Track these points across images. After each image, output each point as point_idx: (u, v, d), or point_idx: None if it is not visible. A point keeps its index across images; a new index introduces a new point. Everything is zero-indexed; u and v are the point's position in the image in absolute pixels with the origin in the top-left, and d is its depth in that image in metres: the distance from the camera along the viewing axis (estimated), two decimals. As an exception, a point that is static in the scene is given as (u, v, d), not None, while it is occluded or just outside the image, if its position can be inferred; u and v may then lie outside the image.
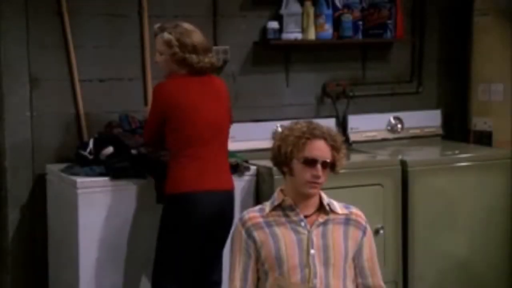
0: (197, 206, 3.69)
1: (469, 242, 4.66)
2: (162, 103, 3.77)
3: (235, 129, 4.65)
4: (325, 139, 2.82)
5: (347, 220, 2.89)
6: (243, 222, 2.88)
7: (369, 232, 2.93)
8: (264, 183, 4.26)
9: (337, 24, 4.91)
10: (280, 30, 4.78)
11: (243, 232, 2.86)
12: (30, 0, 4.31)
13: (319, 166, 2.80)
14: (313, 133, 2.82)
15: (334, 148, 2.83)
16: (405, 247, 4.52)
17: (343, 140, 2.91)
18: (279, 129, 3.23)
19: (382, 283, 2.97)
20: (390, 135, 5.13)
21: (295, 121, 2.94)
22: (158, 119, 3.78)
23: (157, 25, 3.87)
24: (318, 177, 2.79)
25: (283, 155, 2.85)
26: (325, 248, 2.82)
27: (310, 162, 2.80)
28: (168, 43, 3.77)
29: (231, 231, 3.09)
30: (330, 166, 2.86)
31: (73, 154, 4.26)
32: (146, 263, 3.99)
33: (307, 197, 2.85)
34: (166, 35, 3.79)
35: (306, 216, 2.86)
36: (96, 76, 4.47)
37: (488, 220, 4.70)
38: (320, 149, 2.81)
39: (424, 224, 4.52)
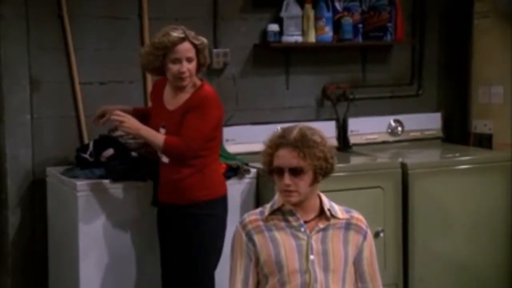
0: (227, 208, 3.82)
1: (469, 244, 4.65)
2: (220, 110, 3.77)
3: (236, 131, 4.67)
4: (289, 146, 2.80)
5: (348, 225, 2.88)
6: (243, 225, 2.88)
7: (370, 236, 2.92)
8: (264, 186, 4.26)
9: (337, 26, 4.91)
10: (281, 33, 4.78)
11: (243, 235, 2.86)
12: (31, 2, 4.31)
13: (286, 174, 2.79)
14: (277, 143, 2.82)
15: (301, 154, 2.79)
16: (405, 249, 4.52)
17: (319, 143, 2.82)
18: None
19: (382, 288, 2.98)
20: (390, 138, 5.14)
21: (280, 127, 2.96)
22: (217, 127, 3.75)
23: (178, 32, 3.64)
24: (287, 185, 2.79)
25: (264, 166, 2.88)
26: (325, 254, 2.81)
27: (278, 171, 2.81)
28: (204, 48, 3.71)
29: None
30: (312, 172, 2.81)
31: (73, 156, 4.26)
32: (145, 266, 3.99)
33: (297, 204, 2.84)
34: (204, 40, 3.71)
35: (306, 222, 2.85)
36: (96, 78, 4.47)
37: (488, 222, 4.70)
38: (283, 157, 2.79)
39: (424, 227, 4.53)
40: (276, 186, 2.86)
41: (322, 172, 2.83)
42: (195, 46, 3.65)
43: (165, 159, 3.74)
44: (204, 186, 3.71)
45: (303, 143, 2.79)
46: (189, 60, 3.63)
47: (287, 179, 2.78)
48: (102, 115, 3.86)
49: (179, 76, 3.64)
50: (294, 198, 2.81)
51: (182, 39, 3.62)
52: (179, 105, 3.70)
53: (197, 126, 3.63)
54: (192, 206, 3.68)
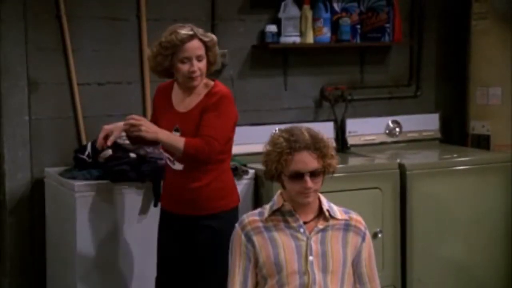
0: None
1: (467, 245, 4.66)
2: (235, 109, 3.60)
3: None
4: (308, 149, 2.79)
5: (347, 226, 2.88)
6: (242, 226, 2.88)
7: (368, 238, 2.92)
8: (262, 187, 4.26)
9: (335, 27, 4.91)
10: (279, 34, 4.79)
11: (242, 236, 2.86)
12: (29, 3, 4.31)
13: (307, 178, 2.77)
14: (293, 147, 2.78)
15: (320, 155, 2.80)
16: (403, 250, 4.52)
17: (329, 142, 2.85)
18: (269, 139, 3.17)
19: (380, 290, 2.98)
20: (388, 139, 5.14)
21: (277, 132, 2.90)
22: (234, 127, 3.60)
23: (187, 29, 3.46)
24: (308, 188, 2.78)
25: (270, 172, 2.85)
26: (324, 255, 2.82)
27: (297, 176, 2.79)
28: (214, 46, 3.55)
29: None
30: (323, 172, 2.83)
31: (72, 157, 4.26)
32: (144, 266, 3.99)
33: (304, 204, 2.85)
34: (213, 37, 3.53)
35: (305, 222, 2.85)
36: (94, 79, 4.47)
37: (487, 223, 4.70)
38: (303, 161, 2.78)
39: (423, 228, 4.53)
40: (289, 189, 2.82)
41: (331, 170, 2.84)
42: (204, 43, 3.48)
43: (178, 166, 3.52)
44: (224, 195, 3.56)
45: (319, 144, 2.79)
46: (199, 58, 3.46)
47: (310, 182, 2.77)
48: (106, 136, 3.52)
49: (190, 76, 3.46)
50: (312, 198, 2.82)
51: (191, 37, 3.44)
52: (193, 106, 3.52)
53: (217, 125, 3.45)
54: (213, 218, 3.50)
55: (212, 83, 3.57)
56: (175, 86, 3.62)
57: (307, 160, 2.78)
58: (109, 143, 3.49)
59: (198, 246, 3.53)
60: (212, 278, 3.53)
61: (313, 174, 2.78)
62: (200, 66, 3.46)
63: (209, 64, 3.54)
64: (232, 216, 3.48)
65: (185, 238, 3.57)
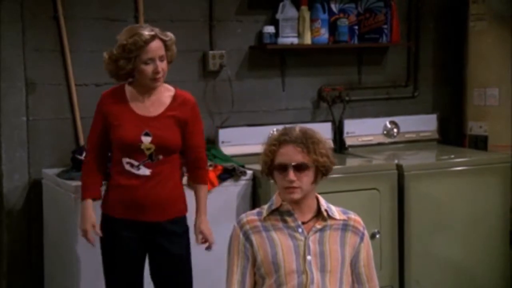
0: None
1: (465, 246, 4.66)
2: None
3: (231, 133, 4.67)
4: (293, 142, 2.81)
5: (345, 226, 2.88)
6: (241, 225, 2.88)
7: (367, 238, 2.92)
8: (260, 187, 4.26)
9: (333, 28, 4.91)
10: (276, 35, 4.79)
11: (240, 235, 2.86)
12: (27, 4, 4.31)
13: (290, 170, 2.79)
14: (280, 140, 2.82)
15: (306, 150, 2.81)
16: (401, 251, 4.52)
17: (320, 140, 2.85)
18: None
19: (378, 289, 2.98)
20: (386, 140, 5.14)
21: (276, 129, 2.95)
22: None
23: (148, 30, 3.40)
24: (291, 181, 2.79)
25: (263, 166, 2.88)
26: (322, 255, 2.82)
27: (281, 168, 2.81)
28: (172, 45, 3.48)
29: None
30: (314, 169, 2.83)
31: (69, 158, 4.26)
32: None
33: (297, 203, 2.85)
34: (171, 36, 3.47)
35: (303, 223, 2.85)
36: (92, 80, 4.47)
37: (484, 224, 4.70)
38: (288, 154, 2.80)
39: (420, 228, 4.53)
40: (278, 184, 2.85)
41: (324, 169, 2.84)
42: (164, 43, 3.42)
43: (144, 171, 3.44)
44: (183, 199, 3.58)
45: (307, 139, 2.81)
46: (161, 58, 3.40)
47: (292, 175, 2.79)
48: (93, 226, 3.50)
49: (154, 77, 3.39)
50: (297, 195, 2.81)
51: (153, 37, 3.37)
52: (162, 111, 3.47)
53: (203, 140, 3.61)
54: (175, 222, 3.52)
55: (167, 85, 3.53)
56: (129, 90, 3.51)
57: (292, 153, 2.80)
58: (99, 232, 3.51)
59: (169, 254, 3.51)
60: (187, 285, 3.59)
61: (297, 168, 2.79)
62: (163, 66, 3.41)
63: (168, 63, 3.48)
64: (185, 220, 3.58)
65: (152, 246, 3.53)
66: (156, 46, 3.38)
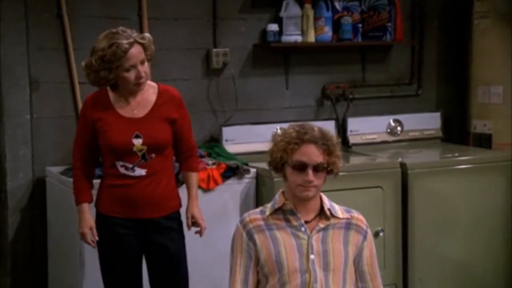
0: None
1: (469, 244, 4.66)
2: None
3: (235, 131, 4.67)
4: (315, 143, 2.81)
5: (348, 225, 2.88)
6: (244, 224, 2.88)
7: (370, 236, 2.92)
8: (264, 186, 4.26)
9: (336, 26, 4.91)
10: (280, 33, 4.79)
11: (244, 234, 2.86)
12: (30, 2, 4.31)
13: (309, 171, 2.79)
14: (302, 138, 2.81)
15: (326, 151, 2.82)
16: (405, 249, 4.52)
17: (337, 142, 2.88)
18: (279, 131, 3.21)
19: (382, 288, 2.98)
20: (389, 138, 5.14)
21: (291, 124, 2.93)
22: None
23: (124, 36, 3.34)
24: (309, 181, 2.79)
25: (275, 160, 2.86)
26: (325, 253, 2.82)
27: (300, 167, 2.80)
28: (150, 44, 3.45)
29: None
30: (327, 169, 2.84)
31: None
32: (145, 265, 3.98)
33: (305, 200, 2.85)
34: (149, 36, 3.44)
35: (306, 222, 2.85)
36: (96, 78, 4.46)
37: (488, 222, 4.70)
38: (309, 154, 2.80)
39: (424, 227, 4.53)
40: (289, 180, 2.83)
41: (336, 170, 2.85)
42: (142, 45, 3.38)
43: (140, 172, 3.44)
44: (177, 194, 3.59)
45: (327, 140, 2.82)
46: (142, 62, 3.37)
47: (311, 175, 2.79)
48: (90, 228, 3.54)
49: (138, 82, 3.38)
50: (311, 193, 2.82)
51: (132, 44, 3.33)
52: (149, 110, 3.46)
53: (189, 122, 3.61)
54: (170, 218, 3.53)
55: (149, 81, 3.50)
56: (112, 93, 3.49)
57: (313, 153, 2.80)
58: (96, 235, 3.53)
59: (166, 249, 3.52)
60: (183, 280, 3.59)
61: (316, 168, 2.80)
62: (144, 69, 3.38)
63: (148, 61, 3.46)
64: (179, 216, 3.58)
65: (148, 244, 3.54)
66: (136, 52, 3.35)
